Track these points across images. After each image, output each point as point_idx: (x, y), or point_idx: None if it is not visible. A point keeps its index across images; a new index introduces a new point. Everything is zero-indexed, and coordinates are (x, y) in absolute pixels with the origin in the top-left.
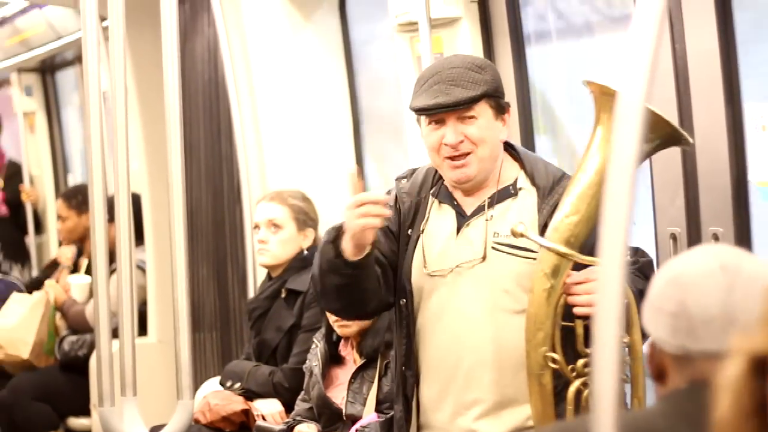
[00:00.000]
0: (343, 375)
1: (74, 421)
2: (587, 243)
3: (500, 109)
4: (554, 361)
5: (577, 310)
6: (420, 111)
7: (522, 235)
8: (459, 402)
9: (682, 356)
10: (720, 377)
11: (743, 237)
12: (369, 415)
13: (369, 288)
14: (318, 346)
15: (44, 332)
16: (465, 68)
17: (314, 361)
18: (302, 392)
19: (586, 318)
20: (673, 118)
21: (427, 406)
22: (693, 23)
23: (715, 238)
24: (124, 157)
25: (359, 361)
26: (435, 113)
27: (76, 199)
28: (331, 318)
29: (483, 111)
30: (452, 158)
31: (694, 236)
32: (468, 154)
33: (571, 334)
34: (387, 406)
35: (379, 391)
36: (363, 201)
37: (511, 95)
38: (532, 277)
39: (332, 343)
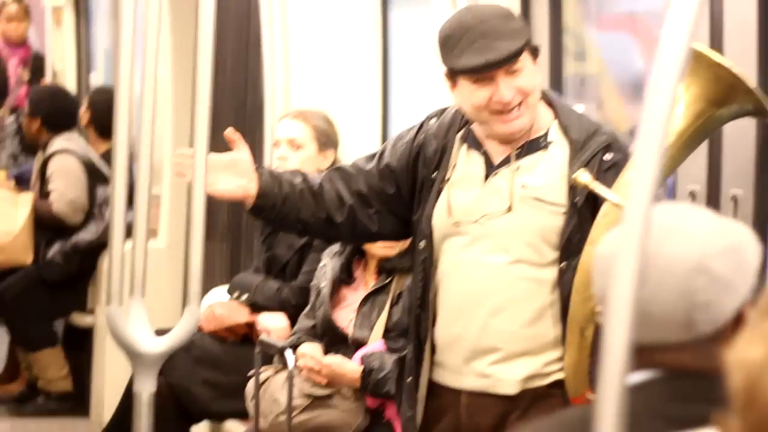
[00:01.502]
0: (352, 296)
1: (79, 318)
2: None
3: (535, 54)
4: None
5: None
6: (468, 72)
7: (585, 186)
8: (474, 348)
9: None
10: None
11: (763, 201)
12: (375, 342)
13: (293, 219)
14: (328, 264)
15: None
16: (499, 20)
17: (323, 280)
18: (307, 308)
19: None
20: None
21: (441, 346)
22: None
23: (735, 200)
24: (153, 61)
25: (371, 284)
26: (486, 71)
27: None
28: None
29: (525, 59)
30: (504, 112)
31: (713, 196)
32: (519, 105)
33: None
34: (395, 335)
35: (389, 319)
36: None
37: (544, 40)
38: (593, 229)
39: (347, 261)
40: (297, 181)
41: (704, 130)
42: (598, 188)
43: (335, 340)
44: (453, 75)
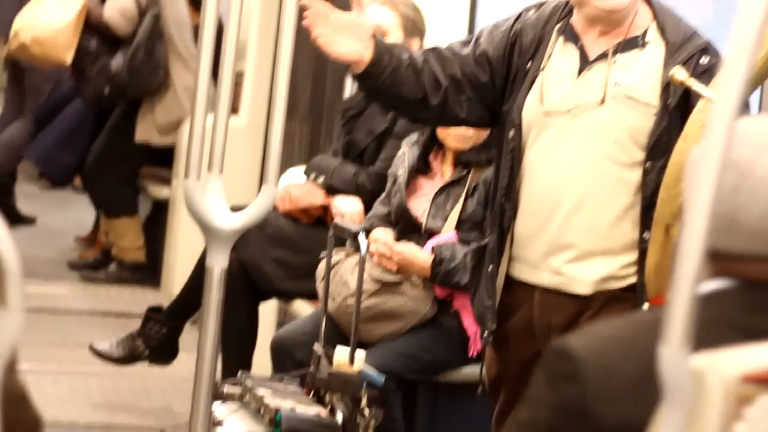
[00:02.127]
0: (428, 186)
1: (155, 190)
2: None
3: None
4: None
5: None
6: None
7: (682, 83)
8: (552, 243)
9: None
10: None
11: None
12: (448, 233)
13: (393, 93)
14: (406, 153)
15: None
16: None
17: (400, 167)
18: (383, 195)
19: None
20: None
21: (520, 240)
22: None
23: None
24: None
25: (448, 175)
26: None
27: None
28: (452, 130)
29: None
30: None
31: None
32: None
33: None
34: (468, 227)
35: (463, 210)
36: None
37: None
38: (686, 127)
39: (424, 151)
40: (404, 57)
41: None
42: (695, 85)
43: (408, 229)
44: None
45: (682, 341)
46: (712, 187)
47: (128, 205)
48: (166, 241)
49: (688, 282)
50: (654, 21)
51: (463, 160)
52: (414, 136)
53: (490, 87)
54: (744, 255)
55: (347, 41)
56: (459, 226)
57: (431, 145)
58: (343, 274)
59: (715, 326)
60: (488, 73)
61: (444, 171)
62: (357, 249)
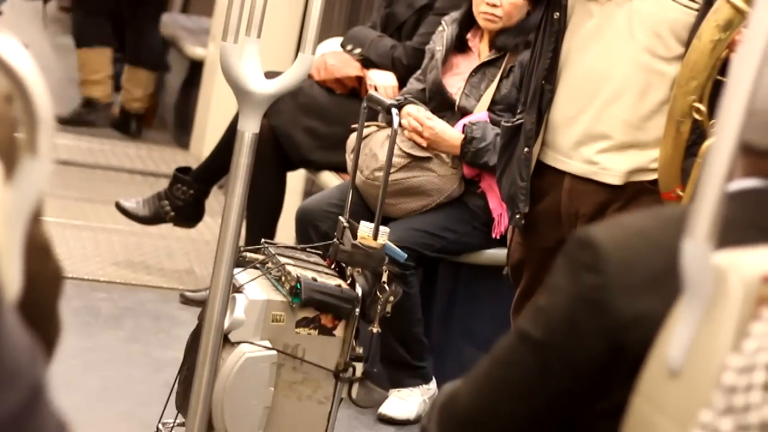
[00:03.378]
0: (464, 65)
1: (190, 50)
2: None
3: None
4: (699, 111)
5: None
6: None
7: None
8: (587, 131)
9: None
10: None
11: None
12: (480, 113)
13: None
14: (446, 30)
15: None
16: None
17: (438, 44)
18: (418, 71)
19: None
20: None
21: (555, 126)
22: None
23: None
24: None
25: (484, 55)
26: None
27: None
28: (482, 6)
29: None
30: None
31: None
32: None
33: (723, 89)
34: (501, 109)
35: (497, 91)
36: None
37: None
38: (702, 23)
39: (463, 29)
40: None
41: None
42: None
43: (442, 106)
44: None
45: (706, 237)
46: (749, 82)
47: (96, 34)
48: (198, 103)
49: (717, 178)
50: None
51: (498, 44)
52: (455, 14)
53: None
54: None
55: None
56: (492, 106)
57: (470, 24)
58: (372, 147)
59: (742, 226)
60: None
61: (481, 51)
62: (389, 123)
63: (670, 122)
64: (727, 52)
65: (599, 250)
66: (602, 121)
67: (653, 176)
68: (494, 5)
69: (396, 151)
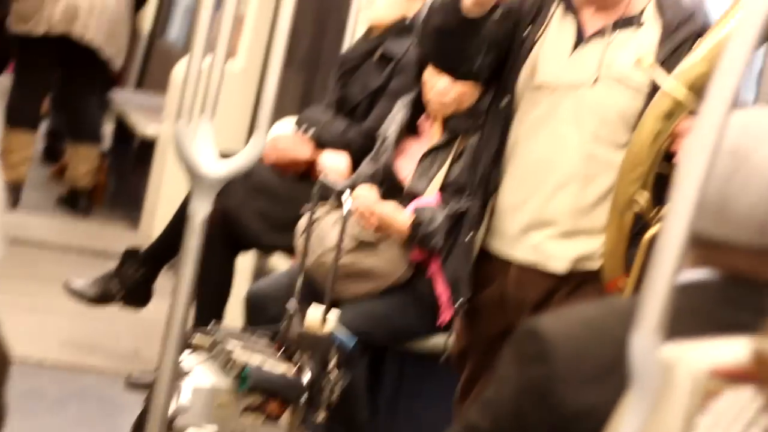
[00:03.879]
0: (415, 148)
1: (142, 128)
2: None
3: None
4: (642, 202)
5: (678, 159)
6: None
7: (647, 68)
8: (533, 219)
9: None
10: None
11: None
12: (430, 196)
13: (467, 47)
14: (398, 113)
15: None
16: None
17: (391, 126)
18: (371, 154)
19: None
20: None
21: (501, 213)
22: None
23: None
24: None
25: (436, 139)
26: None
27: None
28: (433, 94)
29: None
30: None
31: None
32: None
33: (666, 180)
34: (452, 192)
35: (448, 174)
36: None
37: None
38: (644, 114)
39: (415, 112)
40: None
41: None
42: (657, 73)
43: (393, 189)
44: None
45: (654, 329)
46: (700, 174)
47: (93, 132)
48: (149, 182)
49: (667, 269)
50: (652, 0)
51: (450, 128)
52: (408, 96)
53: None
54: (729, 244)
55: None
56: (443, 189)
57: (422, 107)
58: (322, 230)
59: (692, 317)
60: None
61: (433, 134)
62: (340, 205)
63: (614, 212)
64: (669, 142)
65: (546, 342)
66: (548, 208)
67: (599, 264)
68: (444, 92)
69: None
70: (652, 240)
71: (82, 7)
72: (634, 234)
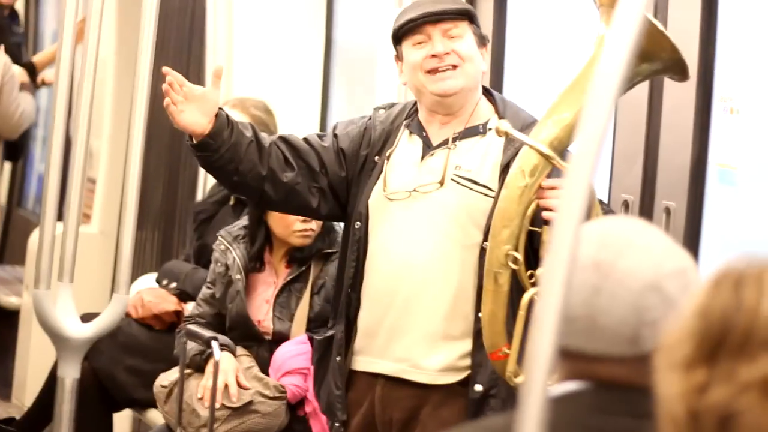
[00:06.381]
0: (262, 286)
1: (4, 299)
2: (570, 149)
3: (482, 40)
4: (515, 261)
5: (546, 215)
6: (405, 25)
7: (506, 133)
8: (394, 328)
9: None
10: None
11: (695, 214)
12: (299, 336)
13: (232, 168)
14: (233, 251)
15: None
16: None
17: (234, 270)
18: (206, 292)
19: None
20: (643, 91)
21: (364, 331)
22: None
23: (667, 211)
24: (94, 43)
25: (281, 270)
26: (421, 23)
27: None
28: (297, 225)
29: (467, 33)
30: (438, 71)
31: (646, 207)
32: (454, 67)
33: (537, 239)
34: (317, 326)
35: (311, 309)
36: (169, 85)
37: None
38: (509, 172)
39: (259, 249)
40: (247, 134)
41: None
42: (517, 134)
43: (247, 336)
44: (398, 46)
45: None
46: (560, 289)
47: None
48: (16, 352)
49: (538, 385)
50: (495, 113)
51: (299, 256)
52: (235, 230)
53: (345, 183)
54: (601, 356)
55: (193, 112)
56: (309, 325)
57: (265, 242)
58: (189, 402)
59: (568, 428)
60: (344, 168)
61: (277, 267)
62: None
63: (488, 276)
64: (536, 199)
65: None
66: (408, 316)
67: (461, 376)
68: (306, 221)
69: (216, 405)
70: (531, 302)
71: None
72: (513, 295)
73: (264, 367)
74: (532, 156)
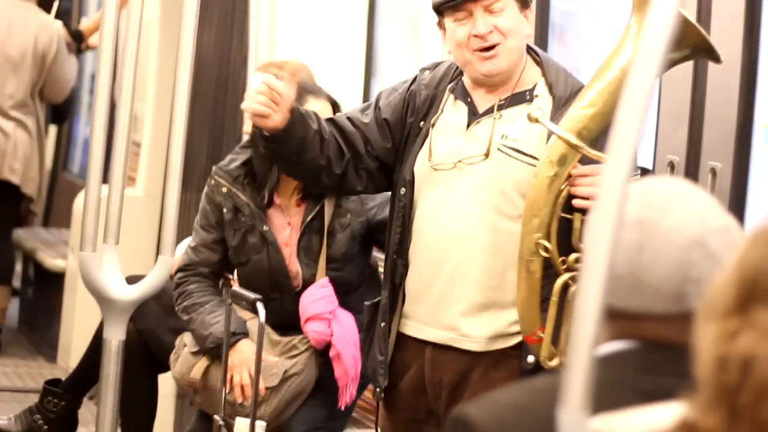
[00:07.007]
0: (274, 228)
1: (50, 262)
2: (599, 138)
3: (524, 3)
4: (546, 249)
5: (576, 202)
6: (446, 3)
7: (537, 121)
8: (442, 297)
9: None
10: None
11: (741, 175)
12: (321, 279)
13: (295, 159)
14: (240, 194)
15: None
16: None
17: (250, 217)
18: (204, 234)
19: (584, 212)
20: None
21: (412, 296)
22: None
23: (713, 172)
24: (139, 6)
25: (293, 210)
26: (462, 3)
27: None
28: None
29: (508, 2)
30: (482, 50)
31: (692, 168)
32: (497, 45)
33: (568, 226)
34: (340, 266)
35: (329, 249)
36: (262, 90)
37: None
38: (539, 162)
39: (269, 189)
40: (313, 126)
41: None
42: (547, 123)
43: (274, 288)
44: (440, 18)
45: (580, 405)
46: (608, 247)
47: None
48: (62, 314)
49: (585, 345)
50: (543, 77)
51: (314, 192)
52: (233, 169)
53: (393, 152)
54: (646, 314)
55: (276, 115)
56: (328, 265)
57: (277, 181)
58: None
59: (615, 389)
60: (390, 138)
61: (287, 206)
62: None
63: (521, 263)
64: (566, 187)
65: (476, 429)
66: (456, 285)
67: (511, 342)
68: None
69: (261, 384)
70: (565, 288)
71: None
72: (544, 284)
73: (289, 318)
74: (561, 145)
